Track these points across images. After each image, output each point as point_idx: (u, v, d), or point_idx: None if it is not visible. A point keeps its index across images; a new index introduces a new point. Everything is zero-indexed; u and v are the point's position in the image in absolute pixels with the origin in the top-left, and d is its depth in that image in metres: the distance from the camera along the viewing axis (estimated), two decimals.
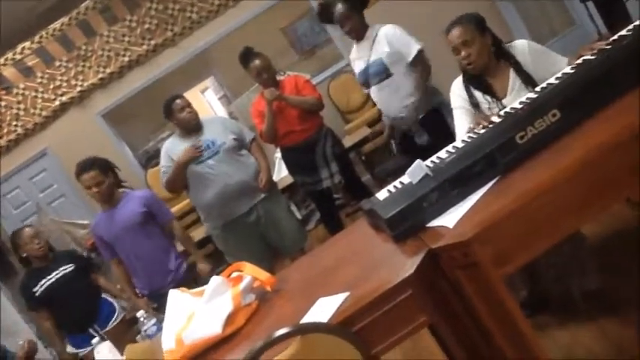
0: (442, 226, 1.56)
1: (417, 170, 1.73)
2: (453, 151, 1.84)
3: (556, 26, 5.77)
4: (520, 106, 1.85)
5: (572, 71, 1.87)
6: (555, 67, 2.05)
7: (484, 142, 1.74)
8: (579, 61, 1.91)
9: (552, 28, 5.77)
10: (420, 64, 3.17)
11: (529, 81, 2.13)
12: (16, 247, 3.62)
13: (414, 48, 3.15)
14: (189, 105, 3.46)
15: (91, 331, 3.65)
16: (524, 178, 1.57)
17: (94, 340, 2.10)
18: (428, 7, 5.41)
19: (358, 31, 3.25)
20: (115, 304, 3.84)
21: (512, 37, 5.66)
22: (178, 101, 3.45)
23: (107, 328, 3.69)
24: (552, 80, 1.90)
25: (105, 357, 2.02)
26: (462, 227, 1.49)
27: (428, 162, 1.86)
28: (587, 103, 1.67)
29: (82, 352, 3.68)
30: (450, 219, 1.56)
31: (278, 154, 4.94)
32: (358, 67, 3.26)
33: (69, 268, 3.66)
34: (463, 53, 2.16)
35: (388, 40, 3.14)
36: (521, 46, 2.20)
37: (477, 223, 1.45)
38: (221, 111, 8.98)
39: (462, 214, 1.55)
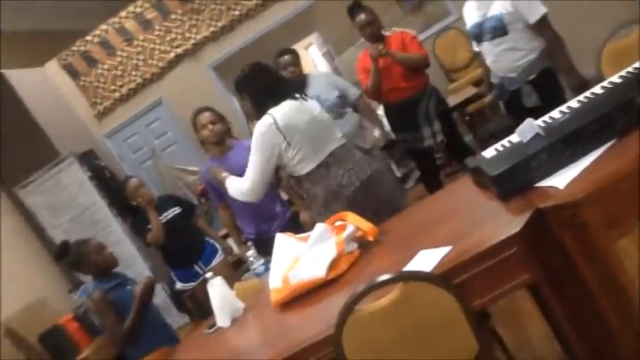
0: (552, 187, 1.54)
1: (527, 129, 1.70)
2: (567, 110, 1.78)
3: None
4: None
5: None
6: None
7: (601, 102, 1.67)
8: None
9: None
10: (545, 28, 2.98)
11: None
12: (124, 197, 3.89)
13: (538, 11, 2.96)
14: (293, 64, 3.57)
15: (196, 267, 3.94)
16: None
17: (208, 275, 2.27)
18: None
19: None
20: (217, 245, 4.10)
21: None
22: (284, 57, 3.60)
23: (210, 265, 3.96)
24: None
25: (217, 290, 2.20)
26: (573, 188, 1.46)
27: (539, 121, 1.81)
28: None
29: (188, 286, 3.99)
30: (560, 180, 1.53)
31: (380, 111, 4.94)
32: (472, 19, 3.12)
33: (177, 210, 3.94)
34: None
35: None
36: None
37: (589, 185, 1.42)
38: (325, 67, 9.03)
39: (574, 176, 1.51)
